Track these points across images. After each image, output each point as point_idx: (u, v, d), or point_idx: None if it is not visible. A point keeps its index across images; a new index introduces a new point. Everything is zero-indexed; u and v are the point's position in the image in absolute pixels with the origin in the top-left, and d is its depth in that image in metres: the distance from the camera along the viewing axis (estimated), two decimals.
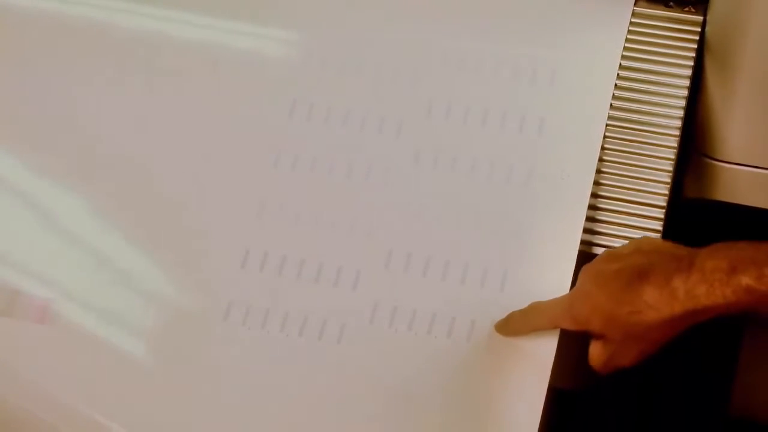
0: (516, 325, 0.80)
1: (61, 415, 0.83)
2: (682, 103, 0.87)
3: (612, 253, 0.78)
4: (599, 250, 0.85)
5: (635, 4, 0.90)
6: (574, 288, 0.78)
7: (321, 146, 0.88)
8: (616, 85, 0.88)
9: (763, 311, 0.70)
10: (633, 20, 0.90)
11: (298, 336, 0.83)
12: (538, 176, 0.86)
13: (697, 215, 0.95)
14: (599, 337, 0.76)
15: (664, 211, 0.86)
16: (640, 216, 0.86)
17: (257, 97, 0.90)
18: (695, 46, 0.88)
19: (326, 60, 0.91)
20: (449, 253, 0.84)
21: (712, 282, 0.70)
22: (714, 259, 0.71)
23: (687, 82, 0.88)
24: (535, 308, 0.80)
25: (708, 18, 0.88)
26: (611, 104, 0.87)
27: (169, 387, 0.83)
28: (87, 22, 0.94)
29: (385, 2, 0.93)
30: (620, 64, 0.88)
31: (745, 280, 0.69)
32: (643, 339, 0.74)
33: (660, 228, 0.85)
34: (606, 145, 0.87)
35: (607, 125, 0.87)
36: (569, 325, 0.78)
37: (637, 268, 0.74)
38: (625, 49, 0.89)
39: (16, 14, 0.95)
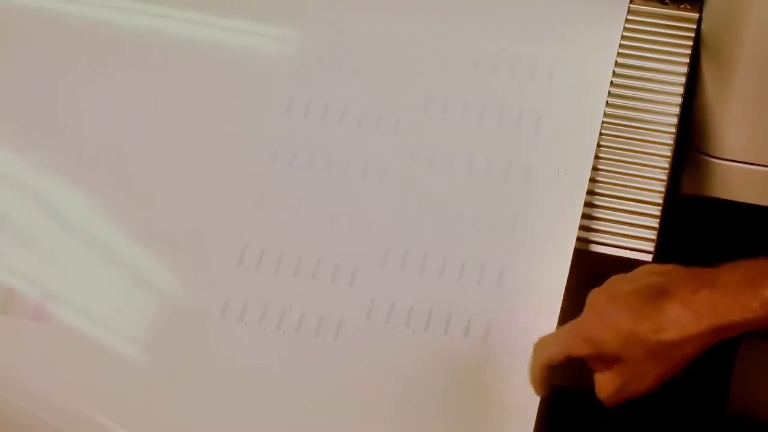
0: (532, 370, 0.79)
1: (56, 413, 0.83)
2: (678, 100, 0.87)
3: (621, 277, 0.76)
4: (596, 248, 0.85)
5: (631, 2, 0.90)
6: (583, 313, 0.76)
7: (318, 143, 0.88)
8: (612, 82, 0.88)
9: None
10: (629, 17, 0.90)
11: (295, 333, 0.83)
12: (535, 173, 0.86)
13: (693, 212, 0.95)
14: (609, 363, 0.73)
15: (660, 208, 0.86)
16: (637, 213, 0.86)
17: (254, 94, 0.90)
18: (691, 43, 0.88)
19: (323, 57, 0.91)
20: (446, 250, 0.84)
21: (736, 296, 0.68)
22: (736, 274, 0.69)
23: (683, 80, 0.88)
24: (543, 342, 0.78)
25: (704, 15, 0.88)
26: (607, 101, 0.87)
27: (165, 383, 0.83)
28: (84, 20, 0.94)
29: None
30: (616, 61, 0.88)
31: (765, 292, 0.67)
32: (665, 358, 0.71)
33: (656, 225, 0.85)
34: (602, 143, 0.87)
35: (603, 123, 0.87)
36: (582, 350, 0.75)
37: (656, 286, 0.72)
38: (621, 46, 0.89)
39: (14, 12, 0.95)
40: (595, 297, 0.75)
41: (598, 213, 0.86)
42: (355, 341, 0.83)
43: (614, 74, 0.88)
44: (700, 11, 0.88)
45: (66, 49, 0.93)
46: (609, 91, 0.88)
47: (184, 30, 0.94)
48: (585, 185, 0.85)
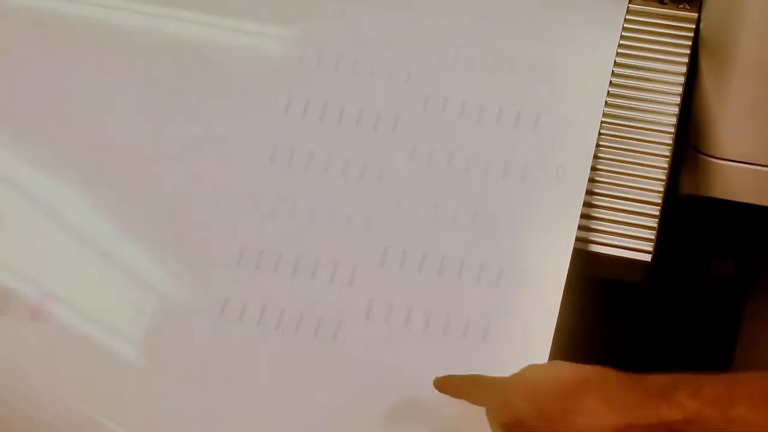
0: (452, 388, 0.79)
1: (54, 413, 0.83)
2: (677, 100, 0.88)
3: (554, 362, 0.76)
4: (594, 247, 0.85)
5: (630, 2, 0.90)
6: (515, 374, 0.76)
7: (317, 143, 0.88)
8: (611, 82, 0.88)
9: None
10: (628, 17, 0.90)
11: (294, 333, 0.83)
12: (534, 173, 0.86)
13: (692, 212, 0.95)
14: None
15: (659, 208, 0.86)
16: (636, 213, 0.86)
17: (253, 94, 0.90)
18: (690, 43, 0.88)
19: (322, 56, 0.91)
20: (445, 249, 0.84)
21: (658, 399, 0.68)
22: (660, 377, 0.69)
23: (682, 80, 0.88)
24: (473, 381, 0.78)
25: (702, 15, 0.88)
26: (606, 101, 0.87)
27: (163, 383, 0.83)
28: (85, 20, 0.94)
29: None
30: (615, 61, 0.88)
31: (682, 395, 0.67)
32: None
33: (655, 225, 0.85)
34: (601, 143, 0.87)
35: (602, 122, 0.87)
36: (499, 410, 0.75)
37: (580, 378, 0.71)
38: (620, 46, 0.89)
39: (13, 12, 0.95)
40: (527, 370, 0.75)
41: (597, 213, 0.86)
42: (354, 341, 0.83)
43: (613, 74, 0.88)
44: (699, 11, 0.88)
45: (66, 48, 0.93)
46: (608, 91, 0.88)
47: (183, 30, 0.94)
48: (584, 185, 0.85)
